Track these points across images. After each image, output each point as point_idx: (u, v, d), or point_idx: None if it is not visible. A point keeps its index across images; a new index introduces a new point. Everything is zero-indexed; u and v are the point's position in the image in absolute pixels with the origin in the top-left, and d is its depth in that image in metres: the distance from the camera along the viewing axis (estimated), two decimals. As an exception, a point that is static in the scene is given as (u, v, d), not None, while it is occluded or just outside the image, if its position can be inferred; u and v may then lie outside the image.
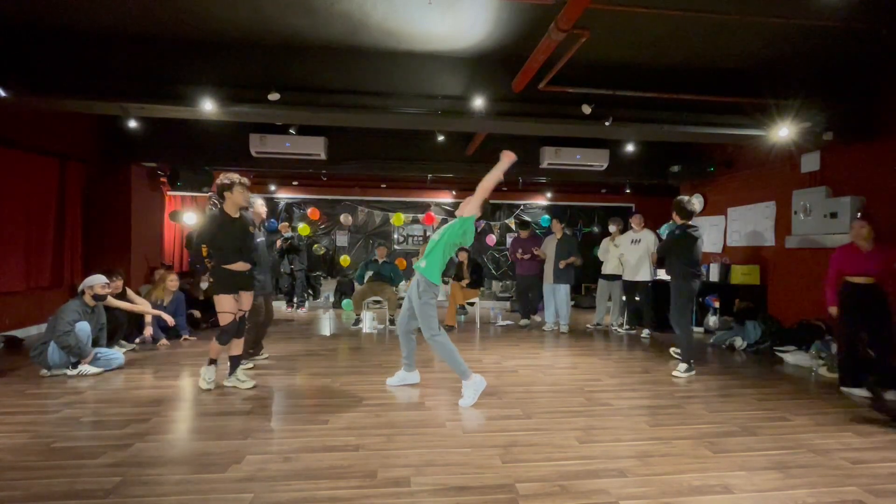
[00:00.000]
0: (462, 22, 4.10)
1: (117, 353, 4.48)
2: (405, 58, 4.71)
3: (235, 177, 3.67)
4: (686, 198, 4.80)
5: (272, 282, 4.91)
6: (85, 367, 4.13)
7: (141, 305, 5.22)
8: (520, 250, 7.20)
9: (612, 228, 7.02)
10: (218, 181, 3.67)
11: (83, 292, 4.34)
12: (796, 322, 5.81)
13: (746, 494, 2.32)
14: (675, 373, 4.50)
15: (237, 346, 3.88)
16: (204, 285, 6.67)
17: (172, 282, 5.67)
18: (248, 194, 3.77)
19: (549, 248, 6.86)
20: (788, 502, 2.26)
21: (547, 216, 10.48)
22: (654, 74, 4.88)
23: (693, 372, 4.51)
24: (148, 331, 5.37)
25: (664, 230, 7.23)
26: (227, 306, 3.67)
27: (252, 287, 3.89)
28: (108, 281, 4.49)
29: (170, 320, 5.35)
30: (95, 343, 4.36)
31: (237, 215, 3.72)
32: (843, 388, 4.09)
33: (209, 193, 7.55)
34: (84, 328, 4.16)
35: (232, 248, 3.65)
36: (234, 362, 3.89)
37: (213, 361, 3.81)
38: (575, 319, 7.63)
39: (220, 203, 3.71)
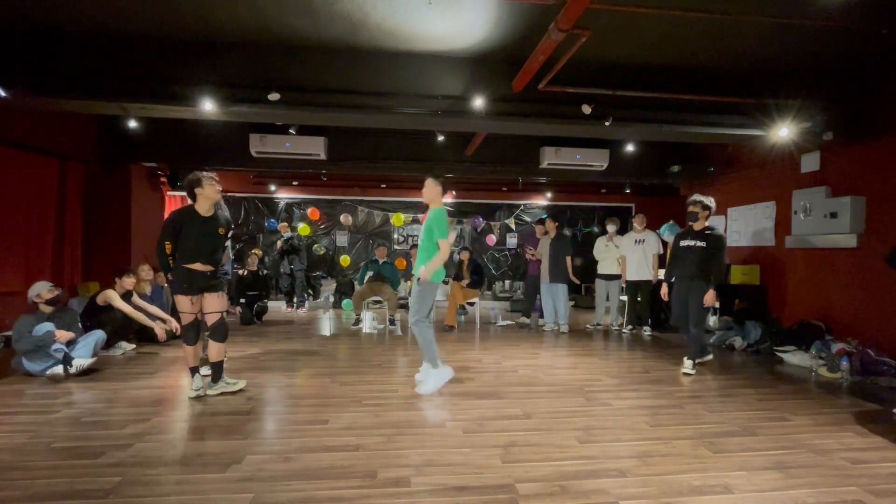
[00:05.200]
0: (462, 22, 4.10)
1: (95, 332, 4.44)
2: (405, 58, 4.71)
3: (202, 172, 3.59)
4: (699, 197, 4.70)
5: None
6: (79, 362, 4.07)
7: (139, 314, 5.09)
8: (530, 249, 7.25)
9: (610, 228, 7.02)
10: (185, 180, 3.59)
11: (35, 304, 4.27)
12: (796, 322, 5.81)
13: (746, 494, 2.32)
14: (684, 370, 4.54)
15: (217, 352, 3.69)
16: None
17: (145, 272, 5.69)
18: (219, 188, 3.63)
19: (543, 247, 6.87)
20: (788, 502, 2.26)
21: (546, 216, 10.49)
22: (654, 74, 4.88)
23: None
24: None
25: (664, 231, 7.27)
26: (184, 307, 3.56)
27: (219, 288, 3.70)
28: (52, 284, 4.36)
29: (161, 335, 5.13)
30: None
31: (210, 213, 3.58)
32: None
33: None
34: (44, 327, 4.08)
35: (194, 246, 3.51)
36: (217, 368, 3.72)
37: (195, 370, 3.66)
38: (575, 319, 7.63)
39: (192, 201, 3.59)
